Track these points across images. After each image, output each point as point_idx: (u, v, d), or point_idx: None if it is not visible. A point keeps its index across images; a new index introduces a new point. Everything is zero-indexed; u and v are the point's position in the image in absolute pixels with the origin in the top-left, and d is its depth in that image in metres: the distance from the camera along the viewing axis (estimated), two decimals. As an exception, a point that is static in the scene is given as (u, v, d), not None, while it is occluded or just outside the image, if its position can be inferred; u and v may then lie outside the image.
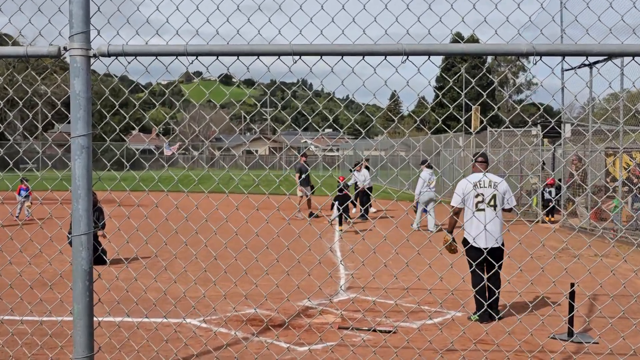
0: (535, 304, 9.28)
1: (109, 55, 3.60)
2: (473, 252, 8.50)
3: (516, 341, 6.63)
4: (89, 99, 3.55)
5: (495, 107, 4.08)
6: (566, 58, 3.69)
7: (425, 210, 19.40)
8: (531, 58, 3.42)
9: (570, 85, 21.10)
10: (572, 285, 7.51)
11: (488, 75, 3.62)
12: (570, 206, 20.07)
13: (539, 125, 22.49)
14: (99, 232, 12.71)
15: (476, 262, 7.89)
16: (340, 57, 3.50)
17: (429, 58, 3.49)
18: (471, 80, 3.76)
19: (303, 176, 21.62)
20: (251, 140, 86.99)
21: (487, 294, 8.72)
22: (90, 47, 3.59)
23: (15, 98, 4.28)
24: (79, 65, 3.55)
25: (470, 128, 30.07)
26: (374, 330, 7.95)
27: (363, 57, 3.50)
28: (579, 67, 15.44)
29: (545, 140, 26.13)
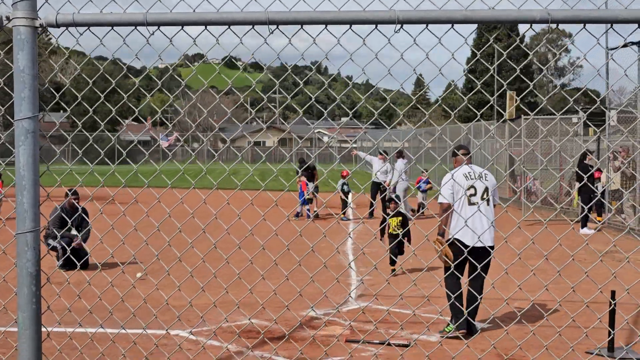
0: (575, 315, 9.13)
1: (57, 25, 3.53)
2: (457, 249, 8.11)
3: (554, 356, 6.53)
4: (35, 76, 3.47)
5: (531, 85, 3.95)
6: (615, 33, 3.56)
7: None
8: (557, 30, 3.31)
9: (619, 65, 20.78)
10: (613, 293, 7.36)
11: (527, 51, 3.42)
12: (616, 204, 19.83)
13: (580, 112, 22.13)
14: (76, 241, 12.44)
15: (458, 261, 7.79)
16: (325, 26, 3.41)
17: (426, 27, 3.38)
18: (502, 54, 3.63)
19: (300, 172, 23.03)
20: (255, 131, 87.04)
21: (464, 301, 8.45)
22: (36, 16, 3.51)
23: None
24: (24, 37, 3.48)
25: (505, 114, 29.86)
26: (388, 344, 7.85)
27: (350, 26, 3.41)
28: (624, 45, 15.20)
29: (590, 129, 25.81)
